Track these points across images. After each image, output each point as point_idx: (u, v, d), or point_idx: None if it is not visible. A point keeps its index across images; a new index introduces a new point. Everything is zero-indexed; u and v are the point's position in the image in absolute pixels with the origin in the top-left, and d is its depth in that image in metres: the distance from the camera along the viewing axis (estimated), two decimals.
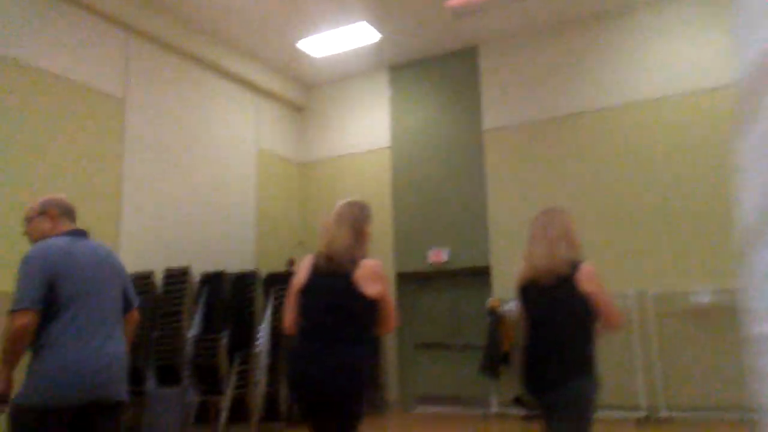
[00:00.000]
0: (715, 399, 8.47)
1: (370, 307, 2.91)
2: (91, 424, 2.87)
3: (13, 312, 2.80)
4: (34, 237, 3.14)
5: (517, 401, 9.41)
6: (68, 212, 3.20)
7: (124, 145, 8.91)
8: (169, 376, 8.07)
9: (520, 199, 10.20)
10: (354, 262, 2.95)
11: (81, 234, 3.16)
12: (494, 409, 9.61)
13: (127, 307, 3.24)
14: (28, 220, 3.18)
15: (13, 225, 7.06)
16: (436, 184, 11.03)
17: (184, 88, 10.02)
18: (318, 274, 3.01)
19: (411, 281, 11.17)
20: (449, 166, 11.00)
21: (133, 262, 8.66)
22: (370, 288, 2.90)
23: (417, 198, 11.15)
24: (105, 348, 2.95)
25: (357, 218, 3.12)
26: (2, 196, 7.30)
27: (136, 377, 8.16)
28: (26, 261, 2.91)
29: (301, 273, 3.05)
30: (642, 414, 8.63)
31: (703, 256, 8.88)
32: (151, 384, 8.07)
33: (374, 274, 2.95)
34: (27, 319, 2.78)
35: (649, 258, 9.23)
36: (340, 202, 3.15)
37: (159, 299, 8.46)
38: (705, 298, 8.67)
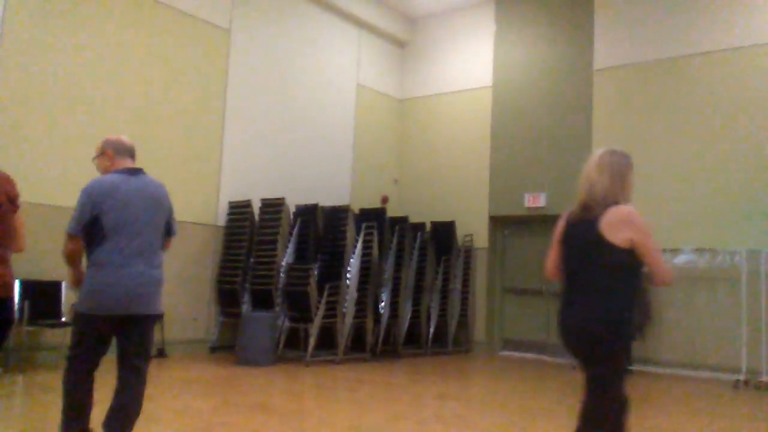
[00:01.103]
0: None
1: (618, 255, 2.80)
2: (132, 329, 3.47)
3: (66, 234, 3.43)
4: (100, 172, 3.63)
5: None
6: (124, 151, 3.63)
7: (228, 76, 9.12)
8: (263, 300, 8.44)
9: (631, 143, 9.59)
10: (605, 210, 2.86)
11: (134, 172, 3.57)
12: None
13: (166, 234, 3.69)
14: (94, 158, 3.68)
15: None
16: (537, 125, 10.60)
17: (288, 20, 10.05)
18: (572, 223, 2.99)
19: (504, 225, 10.96)
20: (553, 107, 10.51)
21: (231, 190, 9.02)
22: (615, 235, 2.80)
23: (516, 140, 10.79)
24: (145, 272, 3.45)
25: (619, 166, 3.00)
26: (104, 122, 7.72)
27: (232, 299, 8.61)
28: (81, 193, 3.45)
29: (560, 223, 3.07)
30: (741, 377, 8.17)
31: None
32: (246, 307, 8.48)
33: (622, 221, 2.81)
34: (73, 244, 3.43)
35: (765, 214, 8.53)
36: (601, 150, 3.06)
37: (255, 228, 8.77)
38: None
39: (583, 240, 2.89)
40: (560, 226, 3.06)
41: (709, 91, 9.12)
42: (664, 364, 8.88)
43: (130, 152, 3.64)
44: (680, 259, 8.90)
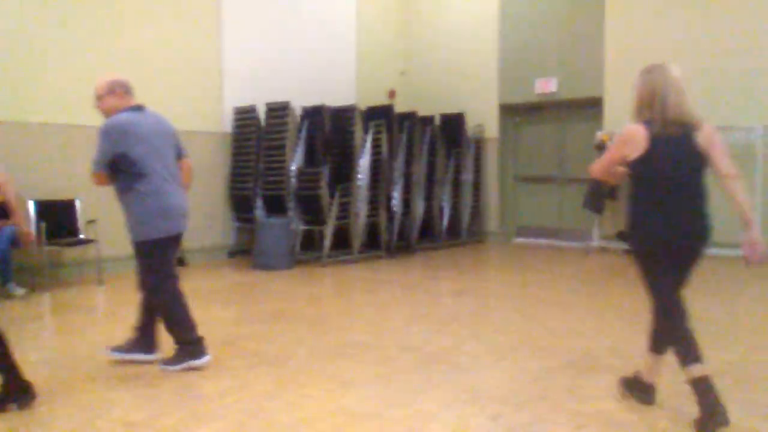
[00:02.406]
0: None
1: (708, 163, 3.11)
2: (176, 245, 4.00)
3: (92, 173, 3.82)
4: (104, 111, 3.86)
5: (621, 236, 9.23)
6: (130, 90, 3.92)
7: None
8: (275, 205, 8.49)
9: (646, 22, 9.18)
10: (699, 125, 3.11)
11: (141, 108, 3.90)
12: (596, 243, 9.52)
13: (179, 157, 4.06)
14: (99, 98, 3.87)
15: (107, 37, 7.28)
16: (547, 7, 10.10)
17: None
18: (662, 138, 3.08)
19: (515, 113, 10.74)
20: None
21: (234, 96, 8.82)
22: (712, 147, 3.08)
23: (525, 23, 10.32)
24: (182, 193, 3.97)
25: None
26: (101, 36, 7.45)
27: (245, 205, 8.67)
28: (99, 135, 3.72)
29: (636, 135, 3.10)
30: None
31: None
32: (259, 212, 8.55)
33: (715, 135, 3.12)
34: (97, 179, 3.83)
35: None
36: (674, 65, 3.18)
37: (262, 133, 8.66)
38: None
39: (687, 153, 3.09)
40: (641, 139, 3.09)
41: None
42: None
43: (132, 91, 3.92)
44: None
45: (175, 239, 3.93)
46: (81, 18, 7.28)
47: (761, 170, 8.27)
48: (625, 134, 3.16)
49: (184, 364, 3.87)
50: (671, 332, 3.16)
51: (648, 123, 3.10)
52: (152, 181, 3.76)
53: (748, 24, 8.47)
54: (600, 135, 9.28)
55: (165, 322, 3.93)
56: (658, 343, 3.31)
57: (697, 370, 2.98)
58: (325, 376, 3.83)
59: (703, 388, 2.96)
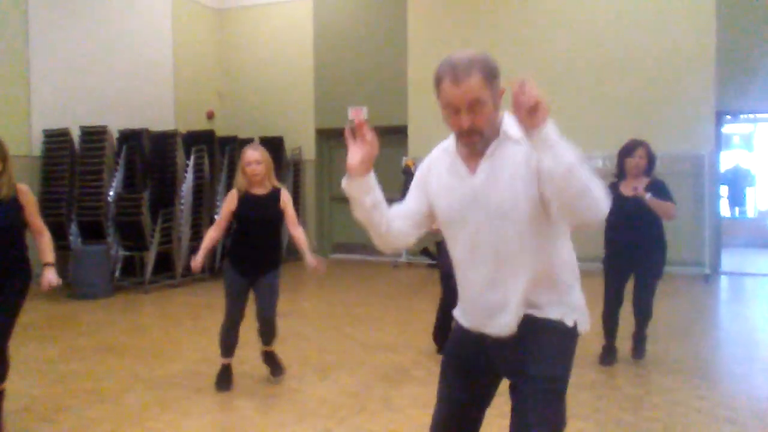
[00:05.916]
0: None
1: None
2: None
3: None
4: None
5: (424, 252, 10.31)
6: None
7: (27, 2, 8.33)
8: (93, 231, 8.33)
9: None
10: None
11: None
12: (403, 258, 10.52)
13: None
14: None
15: None
16: (358, 40, 10.96)
17: None
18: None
19: (330, 137, 11.46)
20: (371, 21, 10.89)
21: (45, 118, 8.51)
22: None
23: (339, 54, 11.09)
24: None
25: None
26: None
27: (58, 232, 8.37)
28: None
29: None
30: None
31: (599, 123, 9.55)
32: (74, 239, 8.33)
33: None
34: None
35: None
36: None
37: (77, 157, 8.44)
38: (598, 163, 9.45)
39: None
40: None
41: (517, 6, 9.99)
42: None
43: None
44: None
45: None
46: None
47: None
48: None
49: None
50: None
51: None
52: None
53: (515, 62, 9.96)
54: (405, 160, 10.29)
55: None
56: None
57: None
58: (164, 408, 4.12)
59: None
